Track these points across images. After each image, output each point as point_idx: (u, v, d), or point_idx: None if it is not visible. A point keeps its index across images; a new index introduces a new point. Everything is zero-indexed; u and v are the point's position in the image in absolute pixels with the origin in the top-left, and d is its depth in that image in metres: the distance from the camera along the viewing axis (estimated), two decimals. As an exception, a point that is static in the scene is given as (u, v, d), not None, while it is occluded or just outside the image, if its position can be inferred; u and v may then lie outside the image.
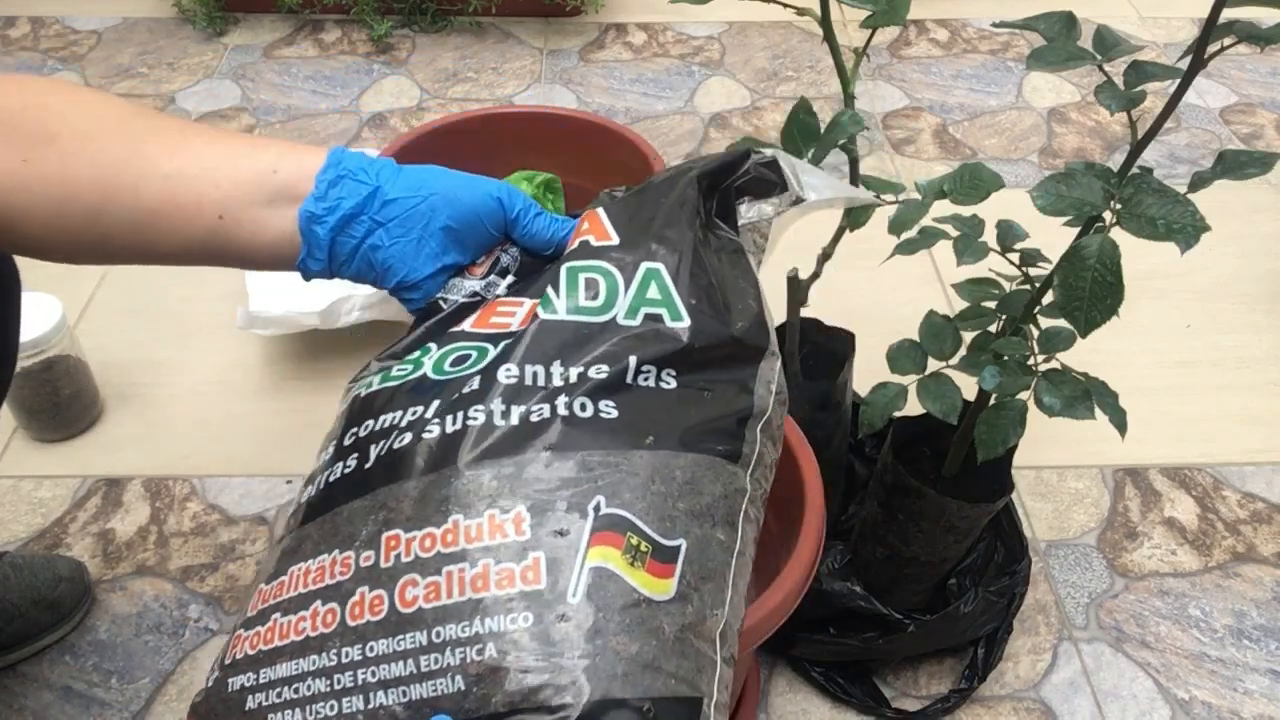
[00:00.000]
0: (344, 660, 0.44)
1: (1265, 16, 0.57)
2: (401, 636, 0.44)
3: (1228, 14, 0.53)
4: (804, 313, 0.82)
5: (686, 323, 0.50)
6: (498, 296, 0.56)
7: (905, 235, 0.69)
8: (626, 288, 0.50)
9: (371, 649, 0.44)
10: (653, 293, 0.50)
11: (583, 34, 1.82)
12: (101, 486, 1.05)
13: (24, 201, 0.52)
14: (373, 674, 0.43)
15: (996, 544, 0.88)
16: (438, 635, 0.43)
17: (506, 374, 0.48)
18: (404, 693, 0.43)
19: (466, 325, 0.54)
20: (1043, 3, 0.70)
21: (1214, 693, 0.91)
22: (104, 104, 0.55)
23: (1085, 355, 0.70)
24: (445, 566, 0.44)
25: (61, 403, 1.06)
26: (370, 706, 0.43)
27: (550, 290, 0.51)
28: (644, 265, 0.51)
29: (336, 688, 0.44)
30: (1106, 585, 0.99)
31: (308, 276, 0.58)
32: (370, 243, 0.55)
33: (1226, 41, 0.53)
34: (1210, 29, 0.53)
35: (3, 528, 1.01)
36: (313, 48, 1.77)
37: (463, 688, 0.42)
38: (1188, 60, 0.55)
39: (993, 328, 0.74)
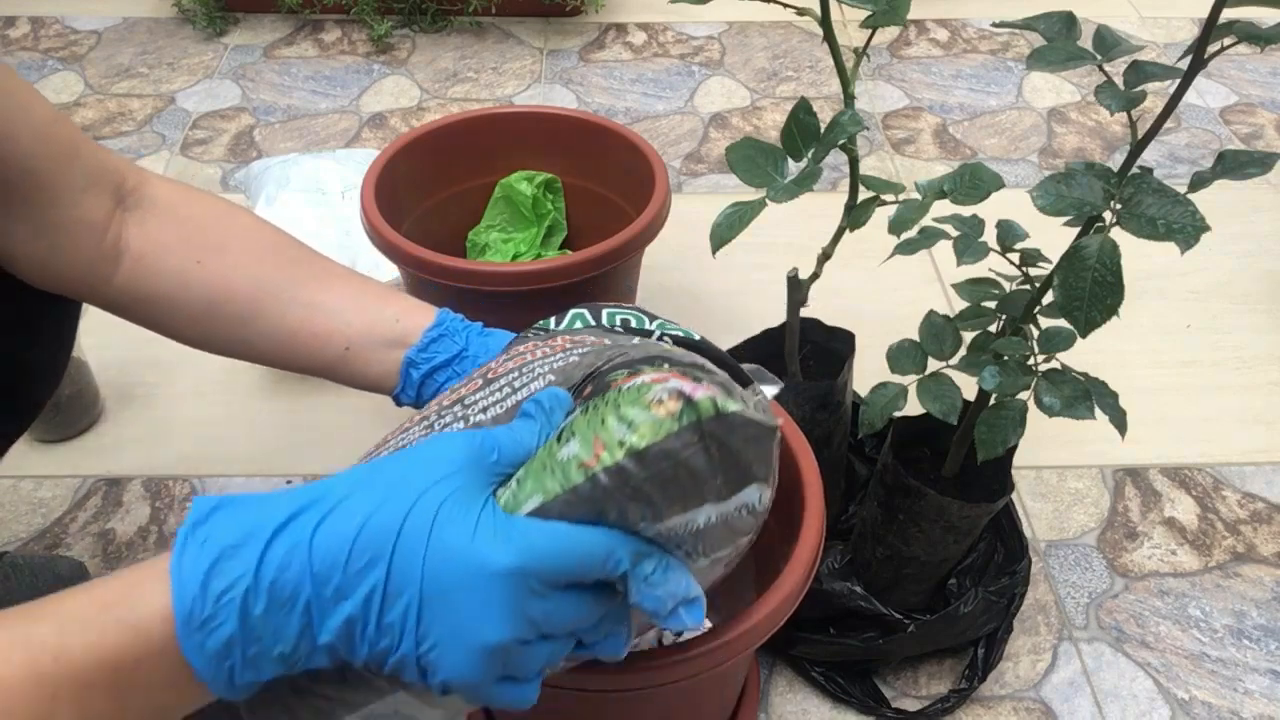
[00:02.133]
0: (441, 418, 0.52)
1: (1265, 16, 0.57)
2: (491, 389, 0.52)
3: (1228, 14, 0.53)
4: (804, 313, 0.82)
5: (698, 337, 0.58)
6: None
7: (905, 235, 0.69)
8: (651, 321, 0.60)
9: (465, 402, 0.52)
10: (671, 328, 0.60)
11: (583, 34, 1.82)
12: (101, 486, 1.05)
13: (188, 295, 0.64)
14: (470, 412, 0.51)
15: (996, 544, 0.88)
16: (528, 371, 0.52)
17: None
18: (500, 406, 0.51)
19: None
20: (1043, 3, 0.69)
21: (1214, 693, 0.91)
22: (266, 231, 0.68)
23: (1085, 355, 0.70)
24: (517, 356, 0.54)
25: (61, 403, 1.06)
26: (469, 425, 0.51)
27: (594, 324, 0.60)
28: (660, 319, 0.60)
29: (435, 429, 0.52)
30: (1106, 585, 0.99)
31: (399, 404, 0.68)
32: (448, 388, 0.67)
33: (1226, 41, 0.53)
34: (1210, 29, 0.53)
35: (3, 528, 1.01)
36: (313, 48, 1.77)
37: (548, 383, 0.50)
38: (1188, 60, 0.55)
39: (993, 328, 0.74)
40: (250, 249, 0.66)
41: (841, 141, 0.66)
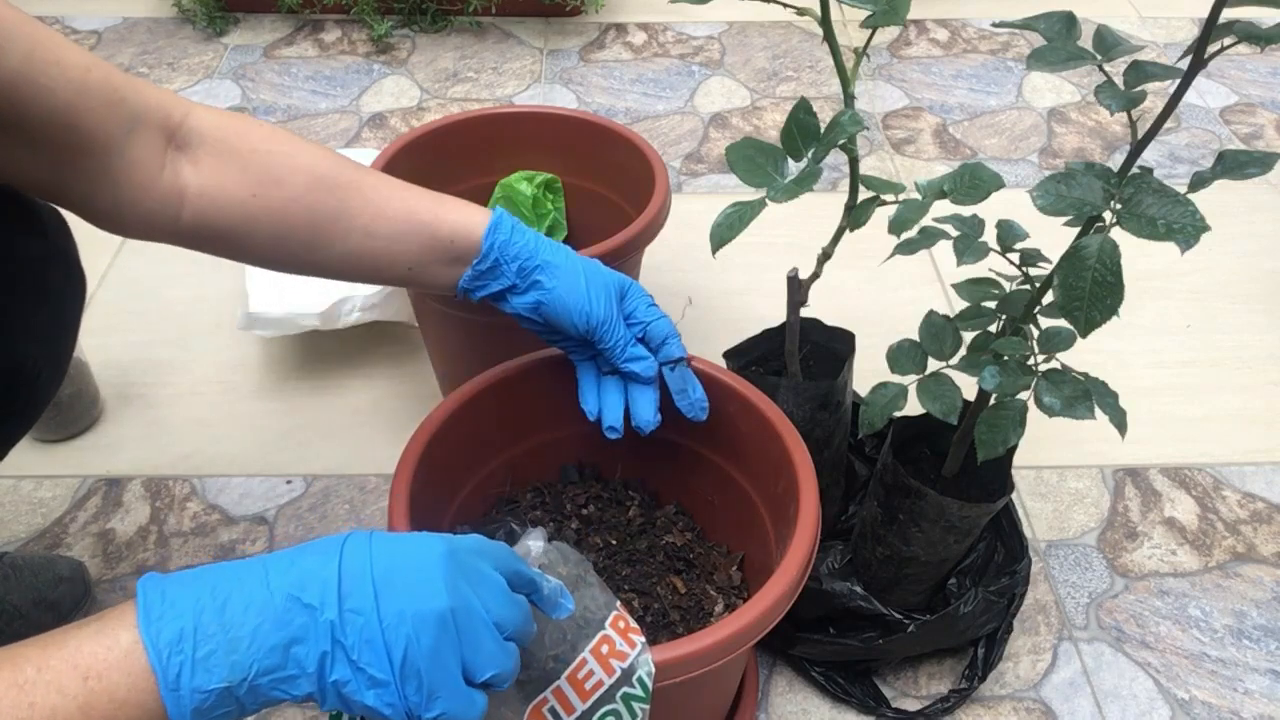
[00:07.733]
0: None
1: (1265, 16, 0.57)
2: None
3: (1228, 14, 0.53)
4: (804, 313, 0.82)
5: None
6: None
7: (905, 235, 0.69)
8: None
9: None
10: None
11: (583, 34, 1.82)
12: (101, 486, 1.05)
13: (250, 227, 0.66)
14: None
15: (996, 544, 0.88)
16: None
17: None
18: None
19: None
20: (1043, 3, 0.69)
21: (1214, 693, 0.91)
22: (319, 157, 0.69)
23: (1085, 355, 0.70)
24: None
25: (61, 403, 1.06)
26: None
27: None
28: None
29: None
30: (1106, 585, 0.99)
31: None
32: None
33: (1226, 41, 0.53)
34: (1210, 29, 0.53)
35: (3, 528, 1.01)
36: (313, 48, 1.77)
37: None
38: (1188, 60, 0.55)
39: (993, 328, 0.74)
40: (305, 181, 0.67)
41: (841, 141, 0.66)
